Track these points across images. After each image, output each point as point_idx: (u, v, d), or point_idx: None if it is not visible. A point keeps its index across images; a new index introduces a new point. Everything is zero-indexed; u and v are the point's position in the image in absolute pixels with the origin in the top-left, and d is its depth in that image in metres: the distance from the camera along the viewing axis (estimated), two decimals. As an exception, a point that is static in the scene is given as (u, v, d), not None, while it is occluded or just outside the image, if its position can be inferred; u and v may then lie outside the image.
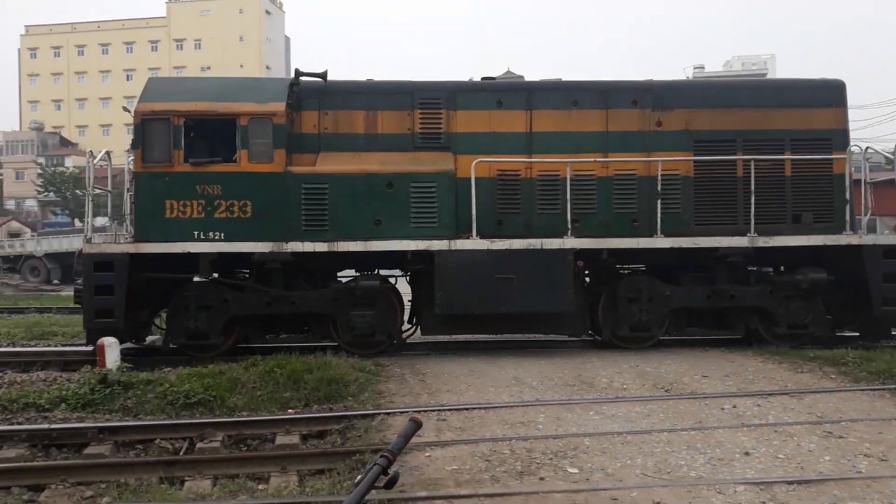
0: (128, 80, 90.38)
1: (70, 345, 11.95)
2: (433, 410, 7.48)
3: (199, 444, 6.60)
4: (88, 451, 6.38)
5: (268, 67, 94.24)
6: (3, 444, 6.41)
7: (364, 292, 10.06)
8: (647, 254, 10.45)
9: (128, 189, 10.81)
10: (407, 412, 7.43)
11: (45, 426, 6.80)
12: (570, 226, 10.05)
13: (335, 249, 10.05)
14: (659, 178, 10.24)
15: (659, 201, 10.22)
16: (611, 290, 10.50)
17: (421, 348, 11.29)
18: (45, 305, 19.69)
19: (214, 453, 6.32)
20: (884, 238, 10.67)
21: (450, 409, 7.53)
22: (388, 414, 7.37)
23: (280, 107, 10.04)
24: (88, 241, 10.13)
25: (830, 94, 10.90)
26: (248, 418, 7.27)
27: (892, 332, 11.03)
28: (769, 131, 10.69)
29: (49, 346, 12.51)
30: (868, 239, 10.28)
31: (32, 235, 37.30)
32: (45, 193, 65.71)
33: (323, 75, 10.79)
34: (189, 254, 9.76)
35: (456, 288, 9.97)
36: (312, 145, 10.60)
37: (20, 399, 7.89)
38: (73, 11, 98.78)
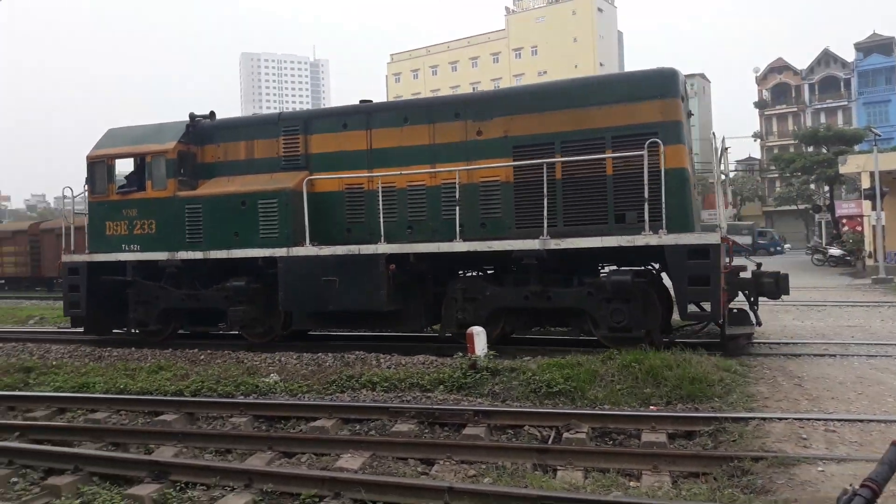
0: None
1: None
2: (819, 420, 6.61)
3: (565, 434, 6.69)
4: (467, 431, 6.85)
5: (601, 64, 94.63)
6: (398, 419, 7.20)
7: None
8: (471, 257, 10.74)
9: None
10: (787, 419, 6.69)
11: (429, 406, 7.48)
12: (383, 234, 10.90)
13: (208, 257, 12.10)
14: (457, 185, 10.52)
15: (457, 208, 10.51)
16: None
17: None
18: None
19: (582, 445, 6.34)
20: (687, 237, 9.36)
21: (840, 420, 6.59)
22: (763, 419, 6.70)
23: (171, 145, 12.45)
24: (64, 252, 13.69)
25: (656, 85, 9.95)
26: (612, 412, 7.18)
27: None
28: (587, 130, 10.17)
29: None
30: (669, 239, 9.31)
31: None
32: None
33: (210, 115, 13.17)
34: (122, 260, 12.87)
35: (294, 288, 11.33)
36: (211, 172, 12.71)
37: (407, 379, 8.87)
38: (427, 36, 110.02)
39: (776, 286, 10.10)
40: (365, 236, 11.43)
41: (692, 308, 9.63)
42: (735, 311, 10.29)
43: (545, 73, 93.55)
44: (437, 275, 11.36)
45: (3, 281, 36.04)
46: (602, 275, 10.29)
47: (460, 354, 9.46)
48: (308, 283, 11.32)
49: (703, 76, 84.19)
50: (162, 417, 7.81)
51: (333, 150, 11.92)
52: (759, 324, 10.31)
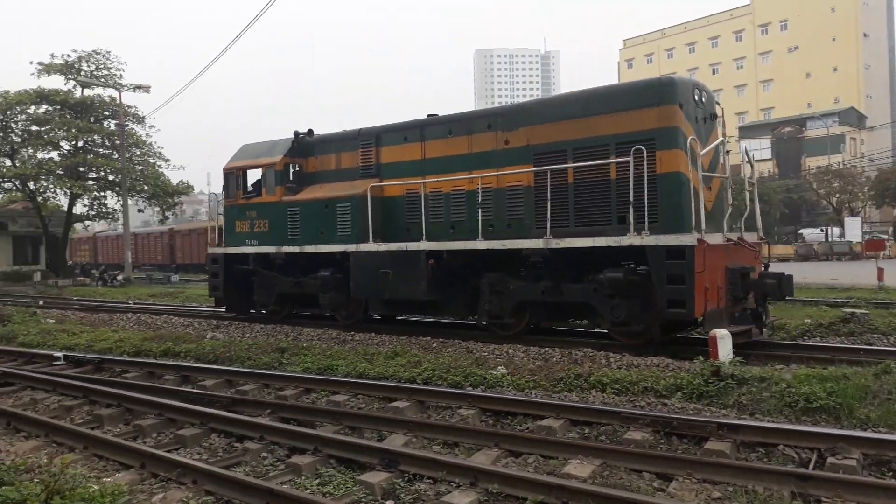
0: (713, 73, 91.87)
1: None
2: None
3: (829, 459, 5.74)
4: (709, 446, 6.16)
5: (865, 35, 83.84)
6: (631, 426, 6.69)
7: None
8: (517, 255, 11.46)
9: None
10: None
11: (666, 414, 6.87)
12: (424, 232, 12.60)
13: (303, 251, 14.52)
14: (479, 190, 11.89)
15: (479, 210, 11.81)
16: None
17: None
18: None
19: (853, 474, 5.38)
20: (666, 238, 9.76)
21: None
22: None
23: (279, 159, 15.01)
24: (209, 245, 17.07)
25: (653, 94, 10.45)
26: (891, 436, 6.05)
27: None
28: (594, 138, 10.78)
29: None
30: (649, 240, 9.88)
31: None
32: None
33: (308, 133, 15.54)
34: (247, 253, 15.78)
35: (360, 279, 13.34)
36: (312, 180, 15.02)
37: (640, 382, 8.29)
38: (660, 19, 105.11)
39: (779, 287, 10.34)
40: (418, 235, 12.82)
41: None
42: (712, 311, 9.77)
43: (796, 48, 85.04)
44: (472, 270, 12.48)
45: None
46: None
47: (700, 359, 8.66)
48: (370, 275, 13.23)
49: None
50: (395, 404, 8.01)
51: (397, 160, 13.68)
52: (765, 325, 10.72)
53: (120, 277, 35.38)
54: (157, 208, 39.97)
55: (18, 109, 36.41)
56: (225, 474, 5.39)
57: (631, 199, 10.03)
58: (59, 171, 35.62)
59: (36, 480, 4.19)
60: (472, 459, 5.98)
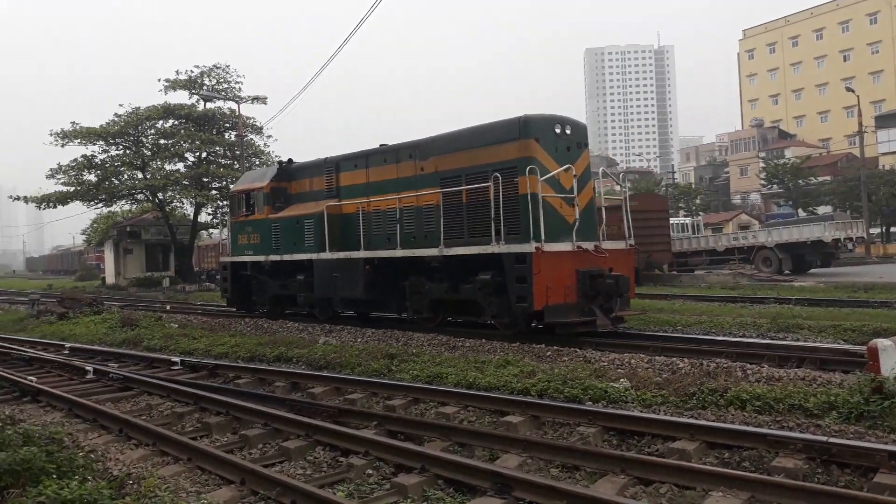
0: (844, 60, 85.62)
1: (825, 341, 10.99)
2: None
3: None
4: (879, 479, 5.21)
5: None
6: (780, 451, 5.80)
7: None
8: (422, 262, 14.05)
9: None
10: None
11: (822, 438, 5.92)
12: (362, 243, 15.28)
13: (284, 259, 17.44)
14: (399, 208, 14.63)
15: (398, 224, 14.50)
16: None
17: None
18: (782, 296, 19.40)
19: None
20: (515, 247, 11.93)
21: None
22: None
23: (266, 183, 18.21)
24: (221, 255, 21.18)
25: (514, 130, 12.63)
26: None
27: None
28: (478, 166, 13.13)
29: (798, 340, 11.92)
30: (503, 248, 12.13)
31: (761, 227, 38.30)
32: (769, 186, 67.55)
33: (289, 162, 18.95)
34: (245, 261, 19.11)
35: (319, 281, 16.31)
36: (294, 201, 17.91)
37: (785, 399, 7.32)
38: (786, 5, 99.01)
39: (616, 286, 12.28)
40: (359, 245, 15.34)
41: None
42: (553, 305, 11.81)
43: (943, 27, 77.90)
44: (398, 274, 14.82)
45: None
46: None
47: (858, 373, 7.57)
48: (327, 278, 16.13)
49: None
50: (508, 419, 7.44)
51: (351, 184, 16.49)
52: (613, 320, 12.38)
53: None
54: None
55: (148, 124, 38.61)
56: (324, 497, 4.99)
57: (492, 215, 12.46)
58: (185, 182, 37.39)
59: (127, 499, 3.92)
60: (595, 488, 5.32)
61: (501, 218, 12.33)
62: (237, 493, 5.50)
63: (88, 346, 14.84)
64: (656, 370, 9.38)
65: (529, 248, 11.69)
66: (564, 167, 12.45)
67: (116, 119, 38.09)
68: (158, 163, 38.78)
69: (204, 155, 39.25)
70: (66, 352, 14.38)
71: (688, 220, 45.88)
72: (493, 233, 12.37)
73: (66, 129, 37.53)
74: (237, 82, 39.62)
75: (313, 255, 16.42)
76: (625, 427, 6.87)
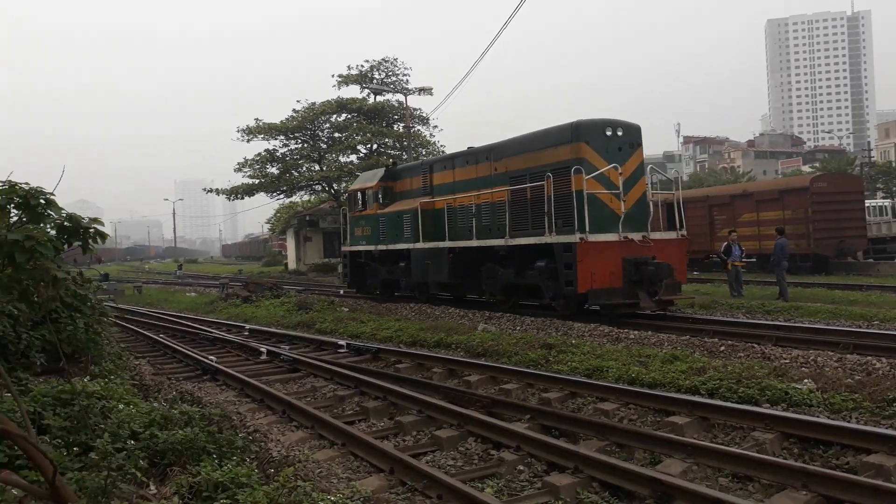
0: None
1: None
2: None
3: None
4: None
5: None
6: None
7: None
8: (492, 251, 16.07)
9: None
10: None
11: None
12: (447, 235, 17.51)
13: (389, 248, 20.06)
14: (473, 205, 16.72)
15: (474, 219, 16.50)
16: None
17: None
18: None
19: None
20: (563, 238, 13.57)
21: None
22: None
23: (374, 183, 21.11)
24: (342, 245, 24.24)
25: (567, 134, 14.35)
26: None
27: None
28: (539, 166, 14.74)
29: None
30: (554, 239, 13.76)
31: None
32: None
33: (394, 164, 23.91)
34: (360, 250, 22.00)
35: (415, 268, 18.80)
36: (399, 198, 20.41)
37: None
38: None
39: (657, 272, 13.38)
40: (444, 237, 17.53)
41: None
42: (597, 289, 13.31)
43: None
44: (476, 261, 16.74)
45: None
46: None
47: None
48: (420, 265, 18.47)
49: None
50: (672, 419, 6.89)
51: (440, 183, 18.65)
52: (658, 303, 13.76)
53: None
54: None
55: (323, 119, 40.67)
56: (470, 494, 4.81)
57: (545, 209, 14.09)
58: (358, 173, 39.05)
59: (263, 490, 3.96)
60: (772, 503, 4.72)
61: (553, 212, 13.96)
62: (385, 482, 5.47)
63: (266, 329, 15.82)
64: (847, 370, 8.34)
65: (574, 238, 13.34)
66: (612, 166, 13.87)
67: (294, 115, 40.49)
68: (333, 155, 40.79)
69: (374, 146, 40.74)
70: (246, 333, 15.43)
71: (887, 203, 41.16)
72: (547, 225, 14.08)
73: (250, 126, 40.46)
74: (405, 74, 40.70)
75: (410, 245, 18.87)
76: (808, 434, 6.10)
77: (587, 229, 13.30)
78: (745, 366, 8.74)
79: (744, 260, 18.90)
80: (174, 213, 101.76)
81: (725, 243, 18.82)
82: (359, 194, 22.30)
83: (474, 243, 16.35)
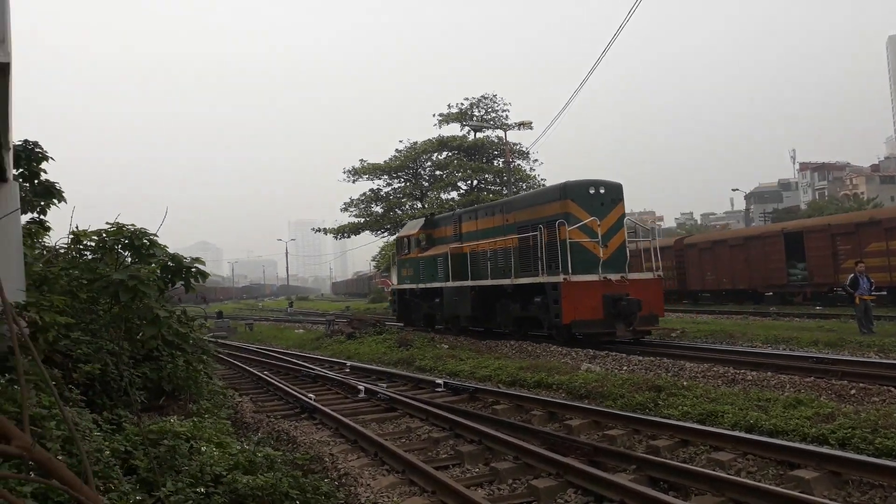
0: None
1: None
2: None
3: None
4: None
5: None
6: None
7: None
8: (502, 288, 18.87)
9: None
10: None
11: None
12: (469, 275, 20.74)
13: (422, 287, 23.43)
14: (488, 250, 19.80)
15: (488, 263, 19.51)
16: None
17: None
18: None
19: None
20: (551, 278, 16.29)
21: None
22: None
23: (416, 231, 24.54)
24: (389, 285, 30.59)
25: (557, 193, 17.48)
26: None
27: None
28: (537, 219, 17.65)
29: None
30: (544, 279, 16.55)
31: None
32: None
33: (432, 215, 25.70)
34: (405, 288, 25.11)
35: (447, 303, 21.77)
36: (436, 243, 23.60)
37: None
38: None
39: (628, 306, 15.83)
40: (468, 277, 20.54)
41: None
42: (579, 321, 16.06)
43: None
44: (493, 297, 19.61)
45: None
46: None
47: None
48: (450, 301, 21.43)
49: None
50: (798, 472, 6.16)
51: (467, 231, 21.60)
52: (633, 332, 16.37)
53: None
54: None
55: (425, 157, 41.28)
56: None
57: (538, 255, 16.96)
58: (458, 210, 39.27)
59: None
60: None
61: (545, 256, 16.78)
62: (475, 536, 5.11)
63: (366, 366, 15.81)
64: None
65: (559, 278, 15.98)
66: (592, 219, 16.52)
67: (397, 154, 41.32)
68: (435, 192, 41.23)
69: (475, 183, 40.88)
70: (347, 370, 15.47)
71: None
72: (540, 267, 16.87)
73: (355, 167, 41.58)
74: (504, 110, 40.85)
75: (443, 284, 21.82)
76: (966, 498, 5.27)
77: (570, 271, 16.00)
78: (881, 412, 7.81)
79: (873, 293, 17.32)
80: (286, 253, 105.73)
81: (852, 275, 17.35)
82: (405, 240, 25.37)
83: (489, 282, 19.32)
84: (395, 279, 26.46)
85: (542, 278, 16.61)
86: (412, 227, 25.53)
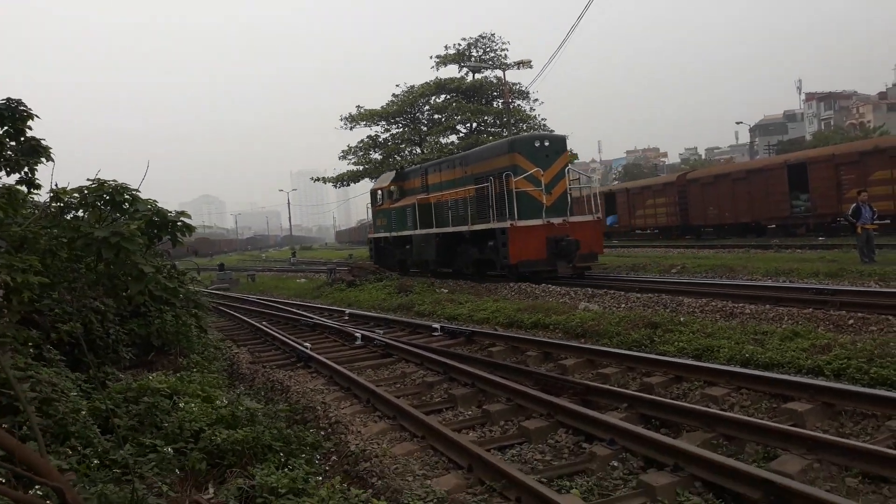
0: None
1: None
2: None
3: None
4: None
5: None
6: None
7: None
8: (461, 235, 20.88)
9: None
10: None
11: None
12: (434, 223, 22.67)
13: (394, 235, 25.44)
14: (449, 200, 22.06)
15: (450, 212, 21.84)
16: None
17: None
18: None
19: None
20: (500, 224, 18.41)
21: None
22: None
23: (387, 184, 26.80)
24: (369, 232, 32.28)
25: (506, 147, 19.61)
26: None
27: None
28: (489, 171, 19.53)
29: None
30: (494, 225, 18.63)
31: None
32: None
33: (402, 168, 28.70)
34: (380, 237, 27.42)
35: (415, 249, 23.63)
36: (406, 195, 25.52)
37: None
38: None
39: (567, 246, 17.80)
40: (432, 225, 22.55)
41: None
42: (524, 260, 18.10)
43: None
44: (455, 243, 21.54)
45: (656, 231, 38.93)
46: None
47: None
48: (418, 247, 23.34)
49: None
50: (791, 405, 6.10)
51: (433, 182, 23.71)
52: (574, 269, 18.35)
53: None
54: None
55: (423, 101, 40.55)
56: (551, 499, 4.32)
57: (489, 203, 19.12)
58: (425, 163, 38.79)
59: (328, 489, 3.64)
60: (912, 513, 3.96)
61: (495, 205, 18.94)
62: (463, 480, 5.07)
63: (365, 313, 15.79)
64: None
65: (506, 224, 18.10)
66: (536, 169, 18.49)
67: (394, 99, 40.60)
68: (434, 137, 40.64)
69: (474, 125, 40.25)
70: (346, 317, 15.46)
71: None
72: (491, 215, 19.00)
73: (352, 114, 40.94)
74: (502, 49, 39.89)
75: (412, 232, 23.66)
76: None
77: (516, 217, 18.17)
78: (878, 342, 7.74)
79: (875, 222, 17.10)
80: (288, 204, 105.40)
81: (854, 205, 17.11)
82: (378, 192, 27.54)
83: (450, 229, 21.39)
84: (371, 229, 29.21)
85: (493, 224, 18.79)
86: (384, 181, 27.92)
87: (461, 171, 21.79)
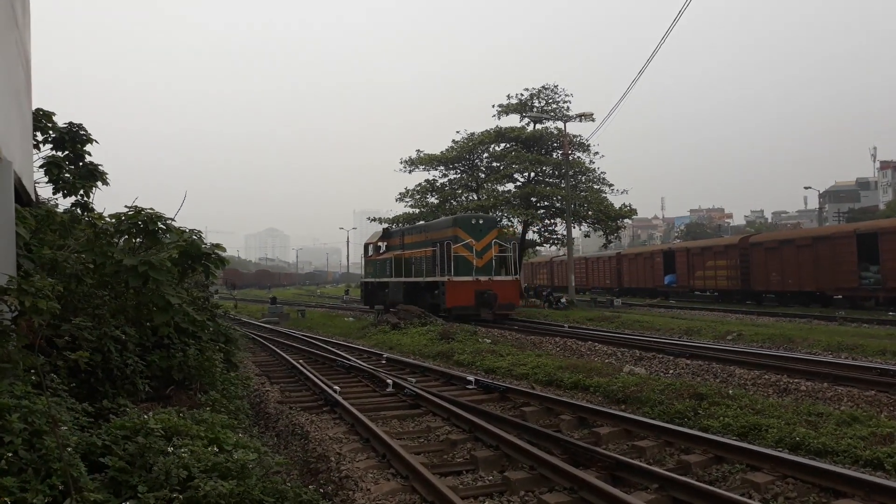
0: None
1: None
2: None
3: None
4: None
5: None
6: None
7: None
8: (419, 284, 27.31)
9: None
10: None
11: None
12: (403, 274, 28.96)
13: (378, 280, 32.72)
14: (412, 257, 28.35)
15: (413, 266, 28.08)
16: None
17: None
18: None
19: None
20: (441, 278, 24.81)
21: None
22: None
23: (375, 240, 34.34)
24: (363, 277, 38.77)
25: (451, 223, 26.34)
26: None
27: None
28: (439, 238, 25.79)
29: None
30: (438, 278, 25.05)
31: None
32: None
33: (387, 228, 36.50)
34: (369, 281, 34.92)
35: (392, 294, 29.80)
36: (389, 250, 31.89)
37: None
38: None
39: (488, 298, 24.42)
40: (402, 275, 28.90)
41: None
42: (457, 307, 24.33)
43: None
44: (418, 290, 27.27)
45: (716, 293, 37.62)
46: None
47: None
48: (393, 291, 29.63)
49: None
50: (842, 502, 5.48)
51: (408, 242, 29.65)
52: (494, 315, 24.63)
53: (563, 300, 36.41)
54: (601, 233, 40.33)
55: (482, 148, 40.63)
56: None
57: (436, 262, 25.45)
58: (515, 202, 38.49)
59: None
60: None
61: (440, 264, 24.99)
62: (465, 558, 4.65)
63: (403, 358, 15.46)
64: None
65: (445, 279, 24.23)
66: (470, 240, 24.92)
67: (454, 145, 40.82)
68: (491, 184, 40.57)
69: (532, 175, 40.05)
70: (384, 361, 15.16)
71: None
72: (437, 271, 25.14)
73: (412, 157, 41.31)
74: (565, 101, 39.78)
75: (389, 279, 30.17)
76: None
77: (453, 274, 24.34)
78: (949, 436, 7.00)
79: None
80: (348, 242, 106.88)
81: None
82: (369, 245, 34.54)
83: (413, 279, 27.69)
84: (364, 274, 36.56)
85: (438, 278, 25.13)
86: (374, 237, 34.84)
87: (424, 235, 28.33)
